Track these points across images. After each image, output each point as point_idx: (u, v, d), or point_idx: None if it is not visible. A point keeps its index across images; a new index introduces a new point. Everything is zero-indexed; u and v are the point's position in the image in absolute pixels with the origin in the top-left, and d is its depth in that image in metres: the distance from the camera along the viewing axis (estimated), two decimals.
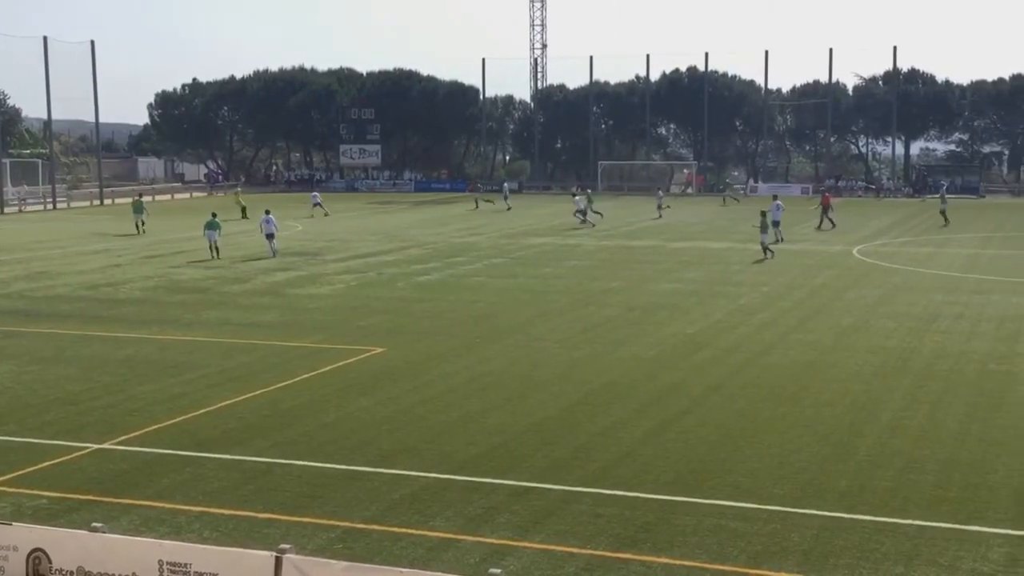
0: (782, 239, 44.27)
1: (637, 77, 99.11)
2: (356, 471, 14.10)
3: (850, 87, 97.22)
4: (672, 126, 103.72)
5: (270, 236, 40.32)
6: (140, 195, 58.57)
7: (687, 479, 13.68)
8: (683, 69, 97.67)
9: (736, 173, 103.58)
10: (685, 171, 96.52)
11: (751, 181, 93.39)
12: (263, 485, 13.58)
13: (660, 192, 67.05)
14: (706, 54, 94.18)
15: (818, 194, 69.77)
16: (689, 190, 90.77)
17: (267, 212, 42.35)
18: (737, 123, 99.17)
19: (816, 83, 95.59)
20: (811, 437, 15.54)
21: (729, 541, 11.51)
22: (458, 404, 17.70)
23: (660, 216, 59.43)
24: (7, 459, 14.69)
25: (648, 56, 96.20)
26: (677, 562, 10.99)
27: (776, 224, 43.55)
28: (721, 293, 30.32)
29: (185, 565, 9.69)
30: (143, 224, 50.83)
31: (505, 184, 78.21)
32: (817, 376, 19.59)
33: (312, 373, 19.97)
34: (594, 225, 53.20)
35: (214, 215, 41.83)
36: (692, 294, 30.15)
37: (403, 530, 11.93)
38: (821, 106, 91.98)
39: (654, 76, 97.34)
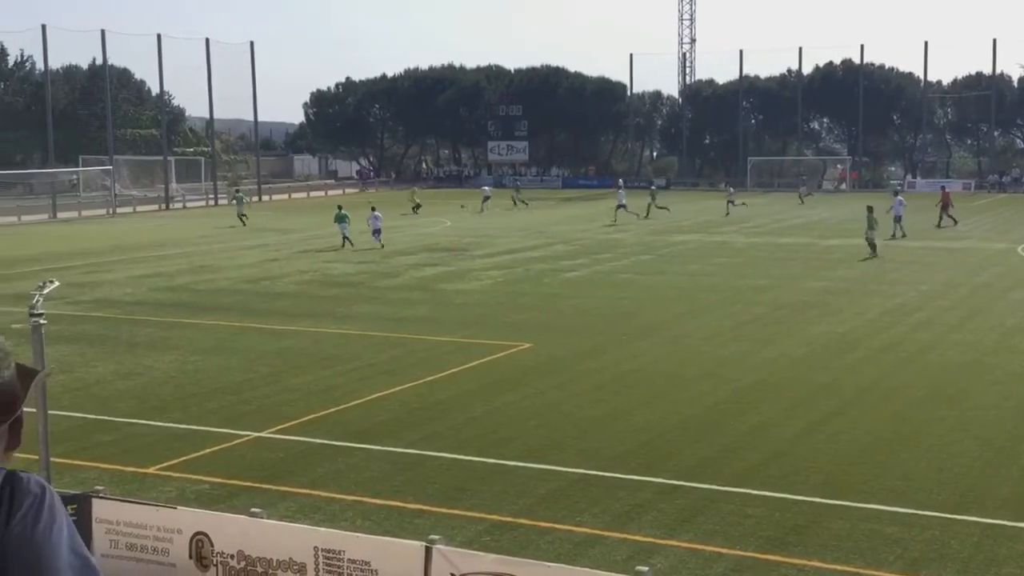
0: (904, 235, 43.49)
1: (789, 71, 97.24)
2: (503, 465, 14.23)
3: (1015, 78, 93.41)
4: (825, 120, 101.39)
5: (376, 232, 42.53)
6: (238, 189, 60.48)
7: (839, 481, 13.37)
8: (837, 62, 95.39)
9: (893, 168, 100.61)
10: (838, 167, 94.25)
11: (909, 176, 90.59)
12: (413, 476, 13.83)
13: (731, 189, 65.89)
14: (861, 46, 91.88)
15: (982, 189, 67.11)
16: (843, 186, 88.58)
17: (373, 209, 44.73)
18: (894, 117, 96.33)
19: (979, 75, 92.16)
20: (971, 441, 15.00)
21: (884, 547, 11.21)
22: (604, 401, 17.68)
23: (728, 213, 58.17)
24: (172, 445, 15.32)
25: (800, 49, 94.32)
26: (829, 566, 10.76)
27: (898, 220, 43.32)
28: (875, 291, 29.51)
29: (339, 552, 9.95)
30: (245, 217, 53.06)
31: (621, 184, 76.87)
32: (978, 378, 18.90)
33: (460, 367, 20.22)
34: (640, 217, 53.95)
35: (340, 208, 44.31)
36: (844, 292, 29.43)
37: (550, 525, 11.99)
38: (984, 99, 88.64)
39: (807, 69, 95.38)
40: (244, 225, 52.07)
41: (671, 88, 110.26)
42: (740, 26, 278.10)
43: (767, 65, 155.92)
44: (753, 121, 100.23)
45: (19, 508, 2.54)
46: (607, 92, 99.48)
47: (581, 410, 17.08)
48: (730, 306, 27.32)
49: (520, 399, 17.83)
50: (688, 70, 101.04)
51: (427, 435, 15.70)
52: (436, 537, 9.90)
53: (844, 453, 14.57)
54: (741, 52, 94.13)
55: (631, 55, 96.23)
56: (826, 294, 29.16)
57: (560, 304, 27.94)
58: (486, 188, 65.23)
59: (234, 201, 53.94)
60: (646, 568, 9.37)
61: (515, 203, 64.62)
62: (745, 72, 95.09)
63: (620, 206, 55.28)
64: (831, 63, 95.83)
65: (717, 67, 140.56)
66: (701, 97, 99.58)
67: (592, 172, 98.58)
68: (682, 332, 23.67)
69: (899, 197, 45.57)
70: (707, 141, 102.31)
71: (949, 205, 50.88)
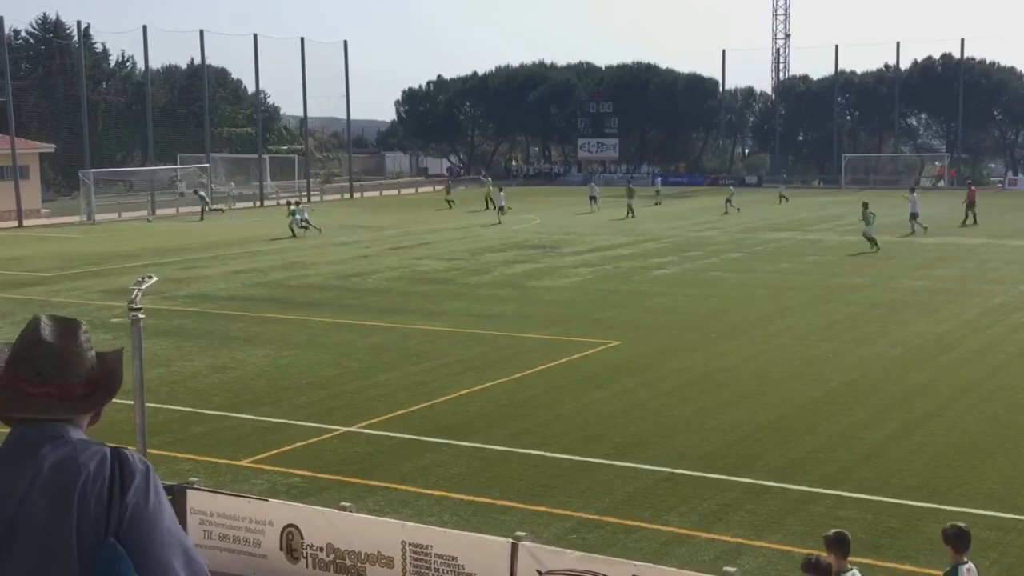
0: (923, 230, 43.88)
1: (886, 66, 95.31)
2: (590, 463, 14.21)
3: None
4: (923, 116, 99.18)
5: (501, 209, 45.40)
6: (290, 202, 54.98)
7: (934, 485, 13.09)
8: (936, 57, 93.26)
9: (993, 165, 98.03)
10: (936, 164, 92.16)
11: (1010, 174, 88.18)
12: (500, 473, 13.88)
13: (731, 188, 64.14)
14: (961, 40, 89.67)
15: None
16: (941, 183, 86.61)
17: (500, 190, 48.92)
18: (995, 113, 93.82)
19: None
20: None
21: (980, 551, 10.93)
22: (693, 399, 17.55)
23: (727, 212, 56.92)
24: (264, 439, 15.60)
25: (898, 44, 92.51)
26: (923, 570, 10.55)
27: (914, 216, 44.29)
28: (974, 291, 28.80)
29: (426, 547, 10.03)
30: (306, 226, 48.08)
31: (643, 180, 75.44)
32: None
33: (548, 364, 20.24)
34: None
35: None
36: (941, 292, 28.78)
37: (636, 523, 11.94)
38: None
39: (904, 64, 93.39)
40: (297, 236, 47.48)
41: (764, 84, 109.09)
42: (836, 21, 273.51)
43: (863, 60, 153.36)
44: (848, 117, 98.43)
45: (131, 482, 2.72)
46: (699, 88, 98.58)
47: (669, 408, 16.98)
48: (822, 305, 26.90)
49: (608, 397, 17.78)
50: (782, 66, 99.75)
51: (514, 432, 15.74)
52: (522, 534, 9.93)
53: (939, 456, 14.26)
54: (836, 47, 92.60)
55: (724, 51, 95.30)
56: (923, 293, 28.55)
57: (649, 302, 27.79)
58: (594, 186, 64.37)
59: (289, 216, 49.25)
60: (734, 569, 9.28)
61: (657, 203, 62.25)
62: (840, 67, 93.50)
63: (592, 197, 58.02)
64: (930, 58, 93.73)
65: (812, 63, 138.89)
66: (795, 93, 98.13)
67: (683, 169, 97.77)
68: (772, 331, 23.38)
69: (914, 195, 46.39)
70: (800, 138, 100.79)
71: (974, 203, 50.07)
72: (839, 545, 8.00)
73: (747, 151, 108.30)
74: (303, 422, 16.46)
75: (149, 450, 12.19)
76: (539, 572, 9.54)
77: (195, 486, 11.72)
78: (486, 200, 60.73)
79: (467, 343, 22.40)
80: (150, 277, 11.70)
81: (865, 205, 40.43)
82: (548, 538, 11.11)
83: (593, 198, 59.95)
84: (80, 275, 34.55)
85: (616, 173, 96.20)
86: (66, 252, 41.91)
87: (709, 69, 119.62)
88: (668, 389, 18.29)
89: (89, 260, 38.72)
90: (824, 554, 7.96)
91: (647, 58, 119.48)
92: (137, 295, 11.40)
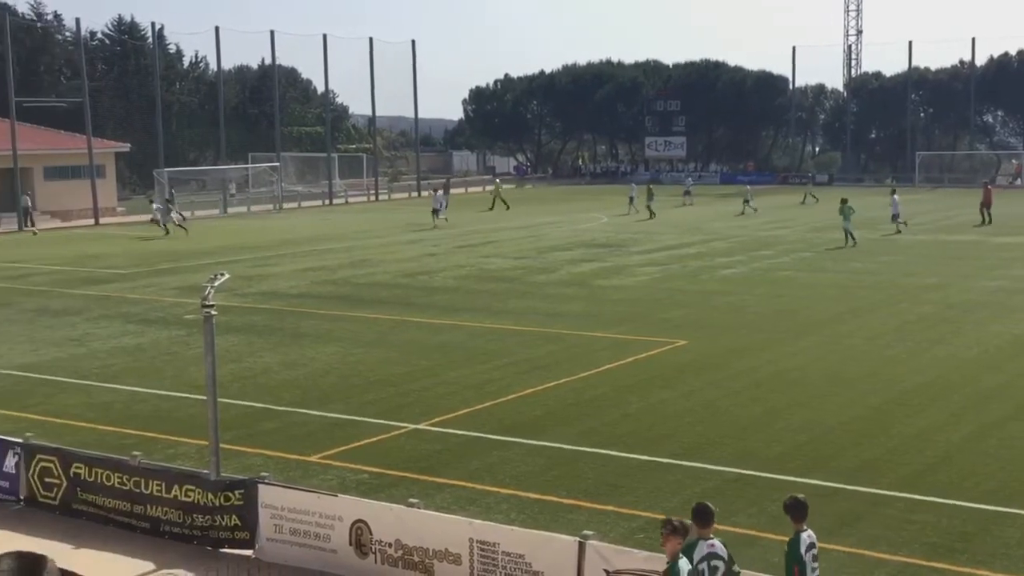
0: (903, 230, 44.37)
1: (961, 62, 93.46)
2: (658, 462, 14.14)
3: None
4: (999, 113, 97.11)
5: (435, 212, 49.27)
6: (151, 198, 53.27)
7: (1012, 488, 12.82)
8: (1013, 52, 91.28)
9: None
10: (1013, 161, 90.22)
11: None
12: (567, 472, 13.86)
13: (748, 187, 62.27)
14: None
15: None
16: (1017, 181, 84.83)
17: (436, 191, 53.49)
18: None
19: None
20: None
21: None
22: (762, 399, 17.38)
23: (743, 212, 55.59)
24: (333, 435, 15.74)
25: (973, 40, 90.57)
26: None
27: (895, 218, 45.15)
28: None
29: (493, 544, 10.05)
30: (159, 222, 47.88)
31: (689, 179, 73.83)
32: None
33: (615, 364, 20.17)
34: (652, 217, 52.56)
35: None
36: (1019, 292, 28.18)
37: None
38: None
39: (980, 60, 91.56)
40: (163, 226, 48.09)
41: (836, 81, 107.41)
42: (909, 16, 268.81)
43: (938, 56, 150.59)
44: (922, 115, 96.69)
45: None
46: (768, 86, 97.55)
47: (737, 408, 16.83)
48: (895, 305, 26.48)
49: (675, 396, 17.68)
50: (854, 62, 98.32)
51: (581, 431, 15.71)
52: (589, 532, 9.91)
53: (1017, 459, 13.96)
54: (910, 43, 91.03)
55: (794, 48, 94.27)
56: (1000, 293, 27.98)
57: (717, 301, 27.58)
58: (689, 180, 63.72)
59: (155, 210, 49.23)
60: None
61: (744, 210, 59.94)
62: (914, 64, 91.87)
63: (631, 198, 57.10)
64: (1006, 54, 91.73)
65: (884, 59, 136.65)
66: (867, 90, 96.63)
67: (751, 168, 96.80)
68: (843, 331, 23.06)
69: (895, 197, 46.85)
70: (872, 135, 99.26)
71: (990, 203, 49.01)
72: (701, 516, 8.43)
73: (817, 149, 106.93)
74: (372, 419, 16.57)
75: (221, 445, 12.37)
76: (606, 571, 9.51)
77: (266, 481, 11.86)
78: (493, 200, 61.71)
79: (534, 342, 22.41)
80: (222, 274, 11.87)
81: (844, 201, 41.68)
82: (615, 537, 11.07)
83: (632, 198, 58.42)
84: (155, 272, 35.15)
85: (683, 172, 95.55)
86: (141, 250, 42.67)
87: (779, 66, 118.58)
88: (736, 389, 18.13)
89: (164, 257, 39.37)
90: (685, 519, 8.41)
91: (715, 56, 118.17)
92: (210, 292, 11.56)
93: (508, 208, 59.72)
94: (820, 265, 34.74)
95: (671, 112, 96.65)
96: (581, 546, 9.69)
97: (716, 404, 17.14)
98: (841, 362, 20.02)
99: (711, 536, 8.39)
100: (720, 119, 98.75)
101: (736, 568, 8.57)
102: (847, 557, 10.87)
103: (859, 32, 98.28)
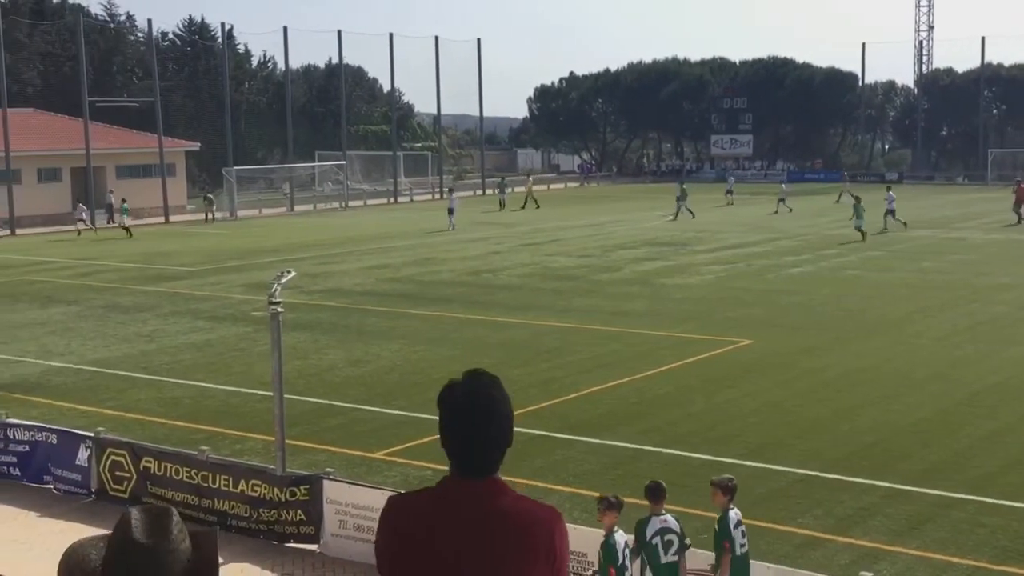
0: (892, 227, 44.27)
1: None
2: (722, 462, 14.03)
3: None
4: None
5: (451, 211, 49.39)
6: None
7: None
8: None
9: None
10: None
11: None
12: (630, 471, 13.81)
13: (784, 186, 60.61)
14: None
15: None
16: None
17: (450, 191, 54.59)
18: None
19: None
20: None
21: None
22: (829, 400, 17.18)
23: (776, 212, 54.40)
24: (397, 432, 15.84)
25: None
26: None
27: (890, 213, 45.27)
28: None
29: None
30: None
31: (731, 178, 70.62)
32: None
33: (679, 363, 20.06)
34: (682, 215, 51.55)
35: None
36: None
37: (769, 525, 11.75)
38: None
39: None
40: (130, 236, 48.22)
41: (906, 78, 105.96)
42: (982, 11, 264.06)
43: (1012, 52, 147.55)
44: (995, 111, 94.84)
45: None
46: (837, 83, 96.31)
47: (803, 409, 16.65)
48: (966, 305, 26.02)
49: (740, 396, 17.54)
50: (925, 58, 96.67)
51: (644, 429, 15.65)
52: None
53: None
54: (983, 39, 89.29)
55: (863, 44, 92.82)
56: None
57: (782, 300, 27.30)
58: (731, 179, 62.41)
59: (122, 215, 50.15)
60: (870, 574, 9.07)
61: (778, 209, 59.54)
62: (987, 60, 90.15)
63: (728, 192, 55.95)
64: None
65: (956, 55, 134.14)
66: (938, 87, 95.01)
67: (819, 166, 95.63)
68: (912, 331, 22.72)
69: (891, 193, 46.87)
70: (944, 133, 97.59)
71: (1022, 201, 47.79)
72: (653, 493, 9.15)
73: (887, 147, 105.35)
74: (434, 416, 16.58)
75: (287, 440, 12.51)
76: None
77: (331, 477, 11.98)
78: (525, 199, 61.68)
79: (597, 340, 22.36)
80: (288, 272, 12.00)
81: (858, 199, 42.53)
82: None
83: (680, 198, 55.38)
84: (223, 270, 35.65)
85: (750, 170, 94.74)
86: (210, 247, 43.28)
87: (848, 63, 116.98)
88: (802, 389, 17.94)
89: (231, 255, 39.90)
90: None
91: (783, 53, 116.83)
92: (276, 289, 11.70)
93: (538, 207, 59.82)
94: (888, 264, 34.24)
95: (737, 110, 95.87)
96: None
97: (782, 404, 16.98)
98: (910, 363, 19.72)
99: (663, 512, 9.07)
100: (787, 117, 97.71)
101: (688, 541, 9.18)
102: (915, 560, 10.71)
103: (930, 28, 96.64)
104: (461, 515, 2.95)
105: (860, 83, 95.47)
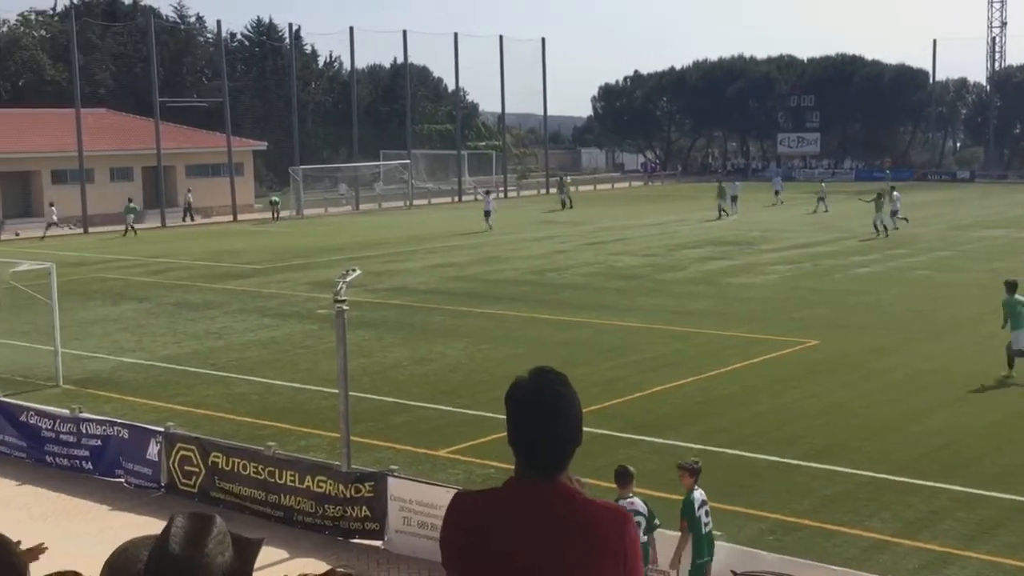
0: (901, 226, 44.21)
1: None
2: (787, 464, 13.90)
3: None
4: None
5: (487, 213, 48.39)
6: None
7: None
8: None
9: None
10: None
11: None
12: None
13: (823, 184, 59.12)
14: None
15: None
16: None
17: (487, 192, 53.08)
18: None
19: None
20: None
21: None
22: (897, 402, 16.94)
23: (815, 211, 53.23)
24: (460, 430, 15.90)
25: None
26: None
27: (894, 213, 45.13)
28: None
29: None
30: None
31: (777, 178, 67.60)
32: None
33: (744, 363, 19.90)
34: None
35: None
36: None
37: (836, 527, 11.62)
38: None
39: None
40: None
41: (978, 75, 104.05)
42: None
43: None
44: None
45: None
46: (907, 80, 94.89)
47: (871, 410, 16.43)
48: None
49: (806, 397, 17.36)
50: (998, 55, 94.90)
51: (708, 430, 15.55)
52: (717, 533, 9.81)
53: None
54: None
55: (934, 41, 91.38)
56: None
57: (850, 300, 26.96)
58: (737, 184, 58.27)
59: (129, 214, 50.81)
60: None
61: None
62: None
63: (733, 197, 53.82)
64: None
65: None
66: (1011, 83, 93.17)
67: (888, 164, 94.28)
68: (985, 332, 22.29)
69: (896, 194, 46.75)
70: (1017, 130, 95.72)
71: None
72: (621, 477, 9.78)
73: (959, 145, 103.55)
74: (498, 415, 16.58)
75: (352, 437, 12.62)
76: (733, 572, 9.39)
77: (395, 474, 12.05)
78: (562, 201, 61.34)
79: (662, 339, 22.26)
80: (354, 270, 12.09)
81: (879, 195, 43.54)
82: (744, 538, 10.94)
83: (734, 198, 54.25)
84: (289, 268, 36.03)
85: (816, 169, 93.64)
86: (277, 245, 43.76)
87: (918, 60, 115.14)
88: (870, 391, 17.70)
89: (297, 253, 40.31)
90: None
91: (851, 50, 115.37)
92: (342, 287, 11.80)
93: (572, 207, 59.78)
94: (959, 264, 33.65)
95: (805, 108, 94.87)
96: None
97: (849, 406, 16.77)
98: (982, 364, 19.35)
99: (630, 495, 9.66)
100: (856, 114, 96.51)
101: (657, 522, 9.76)
102: (986, 565, 10.53)
103: (1003, 24, 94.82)
104: (526, 517, 2.95)
105: (931, 80, 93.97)
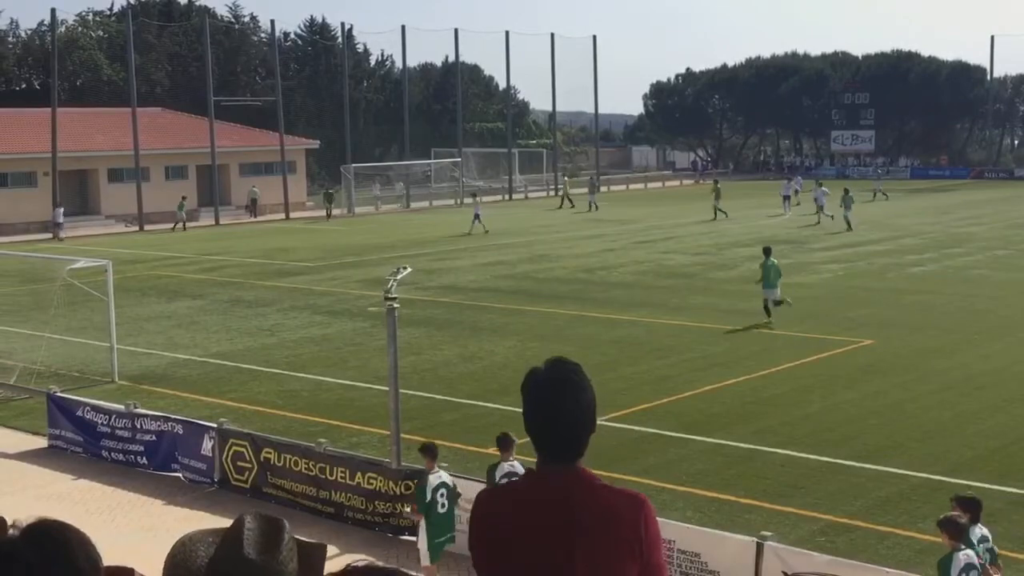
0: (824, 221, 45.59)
1: None
2: (840, 464, 13.77)
3: None
4: None
5: (477, 217, 47.64)
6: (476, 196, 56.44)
7: None
8: None
9: None
10: None
11: None
12: (745, 471, 13.65)
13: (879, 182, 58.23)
14: None
15: None
16: None
17: (475, 196, 52.25)
18: None
19: None
20: None
21: None
22: (952, 403, 16.71)
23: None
24: (509, 428, 15.82)
25: None
26: None
27: (820, 208, 47.06)
28: None
29: (670, 542, 9.98)
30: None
31: (798, 178, 64.03)
32: None
33: (796, 362, 19.73)
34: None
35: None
36: None
37: (889, 529, 11.50)
38: None
39: None
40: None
41: None
42: None
43: None
44: None
45: None
46: (964, 77, 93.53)
47: (926, 411, 16.23)
48: None
49: (859, 397, 17.18)
50: None
51: (760, 429, 15.44)
52: (768, 534, 9.75)
53: None
54: None
55: (992, 36, 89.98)
56: None
57: (904, 300, 26.64)
58: (788, 184, 55.94)
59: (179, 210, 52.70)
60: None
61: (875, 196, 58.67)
62: None
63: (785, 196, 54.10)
64: None
65: None
66: None
67: (944, 162, 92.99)
68: None
69: (823, 188, 48.74)
70: None
71: None
72: (503, 443, 10.65)
73: (1016, 142, 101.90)
74: None
75: (402, 435, 12.68)
76: (784, 573, 9.33)
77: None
78: (562, 199, 61.48)
79: (712, 338, 22.13)
80: (405, 268, 12.15)
81: (846, 190, 45.17)
82: (794, 540, 10.85)
83: (787, 197, 53.34)
84: (340, 265, 36.27)
85: (870, 167, 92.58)
86: (328, 243, 44.06)
87: (976, 56, 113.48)
88: (925, 391, 17.49)
89: (349, 251, 40.56)
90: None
91: (907, 46, 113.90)
92: (392, 285, 11.86)
93: (573, 207, 59.50)
94: (1017, 264, 33.13)
95: (859, 105, 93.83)
96: (759, 547, 9.54)
97: (903, 406, 16.57)
98: None
99: (512, 459, 10.38)
100: (911, 112, 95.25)
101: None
102: None
103: None
104: (545, 505, 2.98)
105: (988, 77, 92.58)
